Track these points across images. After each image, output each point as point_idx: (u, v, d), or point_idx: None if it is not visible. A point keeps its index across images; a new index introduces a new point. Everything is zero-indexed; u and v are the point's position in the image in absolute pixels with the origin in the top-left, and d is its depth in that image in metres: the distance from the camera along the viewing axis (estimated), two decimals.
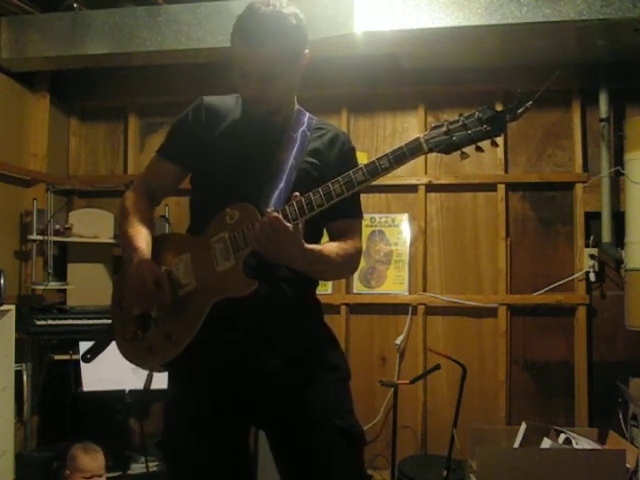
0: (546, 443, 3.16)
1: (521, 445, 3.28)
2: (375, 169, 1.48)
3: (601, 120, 3.75)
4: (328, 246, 1.68)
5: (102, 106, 4.49)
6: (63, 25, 3.69)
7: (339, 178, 1.49)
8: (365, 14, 3.34)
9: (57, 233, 3.96)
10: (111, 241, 4.11)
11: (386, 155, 1.47)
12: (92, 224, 4.09)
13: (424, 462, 3.60)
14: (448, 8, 3.26)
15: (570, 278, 3.83)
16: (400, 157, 1.47)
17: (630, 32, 3.25)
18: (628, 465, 2.90)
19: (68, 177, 4.45)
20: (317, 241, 1.70)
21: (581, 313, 3.78)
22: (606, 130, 3.74)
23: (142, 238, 1.68)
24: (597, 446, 3.16)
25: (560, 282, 3.83)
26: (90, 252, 4.11)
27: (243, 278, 1.55)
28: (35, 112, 4.13)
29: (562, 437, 3.22)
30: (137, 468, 3.62)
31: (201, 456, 1.63)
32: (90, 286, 4.08)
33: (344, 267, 1.73)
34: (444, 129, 1.44)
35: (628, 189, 3.60)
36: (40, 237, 3.87)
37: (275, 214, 1.46)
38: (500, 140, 4.55)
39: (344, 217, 1.72)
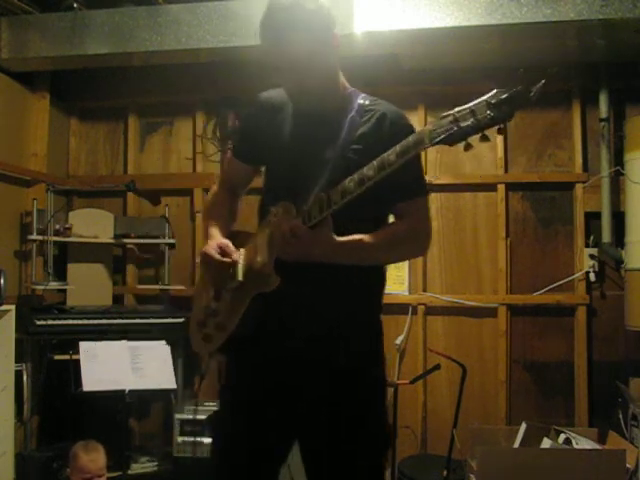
0: (546, 443, 3.16)
1: (521, 445, 3.28)
2: (382, 164, 1.44)
3: (601, 120, 3.75)
4: (374, 233, 1.61)
5: (102, 106, 4.49)
6: (63, 25, 3.69)
7: (354, 175, 1.47)
8: (365, 14, 3.34)
9: (57, 233, 3.96)
10: (111, 241, 4.11)
11: (393, 149, 1.43)
12: (92, 224, 4.09)
13: (424, 462, 3.60)
14: (448, 8, 3.26)
15: (570, 278, 3.83)
16: (404, 151, 1.42)
17: (630, 32, 3.25)
18: (628, 465, 2.90)
19: (68, 177, 4.45)
20: (378, 223, 1.67)
21: (581, 313, 3.78)
22: (606, 130, 3.74)
23: (214, 225, 1.80)
24: (597, 446, 3.16)
25: (560, 282, 3.83)
26: (90, 252, 4.11)
27: (270, 274, 1.57)
28: (35, 112, 4.13)
29: (562, 437, 3.22)
30: (137, 468, 3.63)
31: (241, 448, 1.68)
32: (90, 286, 4.08)
33: (394, 250, 1.67)
34: (450, 118, 1.36)
35: (628, 189, 3.60)
36: (40, 237, 3.87)
37: (294, 222, 1.50)
38: (500, 140, 4.54)
39: (399, 200, 1.67)
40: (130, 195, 4.28)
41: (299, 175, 1.65)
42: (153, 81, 4.25)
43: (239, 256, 1.71)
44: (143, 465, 3.66)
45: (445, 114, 1.36)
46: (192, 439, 3.46)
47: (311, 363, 1.64)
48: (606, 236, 3.71)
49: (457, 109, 1.35)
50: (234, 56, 3.70)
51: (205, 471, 3.35)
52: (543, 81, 1.33)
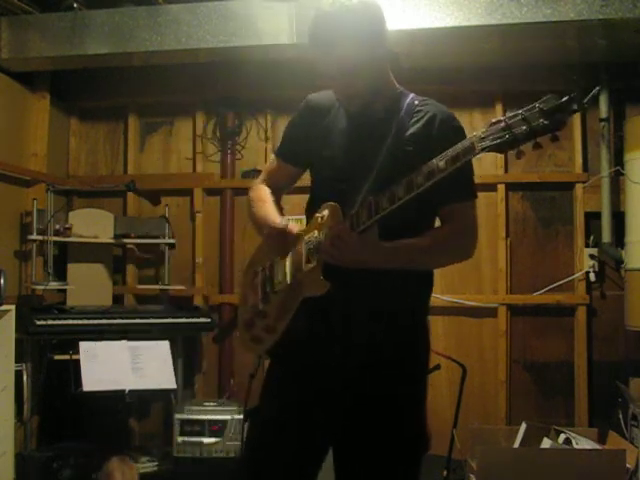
0: (546, 443, 3.16)
1: (521, 445, 3.28)
2: (432, 171, 1.39)
3: (601, 120, 3.75)
4: (420, 237, 1.60)
5: (102, 106, 4.49)
6: (63, 25, 3.69)
7: (403, 180, 1.43)
8: None
9: (57, 233, 3.96)
10: (111, 241, 4.12)
11: (443, 156, 1.39)
12: (92, 224, 4.09)
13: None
14: (448, 8, 3.26)
15: (570, 278, 3.83)
16: (455, 158, 1.37)
17: (630, 32, 3.26)
18: (628, 465, 2.90)
19: (68, 177, 4.45)
20: (425, 226, 1.66)
21: (581, 313, 3.78)
22: (606, 130, 3.74)
23: (268, 207, 1.80)
24: (597, 446, 3.16)
25: (560, 282, 3.83)
26: (90, 252, 4.11)
27: (318, 279, 1.55)
28: (35, 112, 4.12)
29: (562, 437, 3.22)
30: (137, 468, 3.62)
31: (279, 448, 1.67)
32: (90, 286, 4.08)
33: (440, 254, 1.66)
34: (502, 125, 1.30)
35: (628, 189, 3.60)
36: (40, 237, 3.87)
37: (341, 227, 1.49)
38: None
39: (445, 203, 1.64)
40: (130, 195, 4.28)
41: (347, 177, 1.64)
42: (153, 81, 4.25)
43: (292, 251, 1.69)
44: (143, 465, 3.66)
45: (495, 120, 1.32)
46: (192, 439, 3.46)
47: (358, 369, 1.62)
48: (606, 236, 3.71)
49: (508, 115, 1.30)
50: (234, 56, 3.70)
51: (207, 471, 3.39)
52: (597, 88, 1.31)
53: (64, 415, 3.76)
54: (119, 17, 3.64)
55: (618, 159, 3.74)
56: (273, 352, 1.75)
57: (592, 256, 3.77)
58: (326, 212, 1.59)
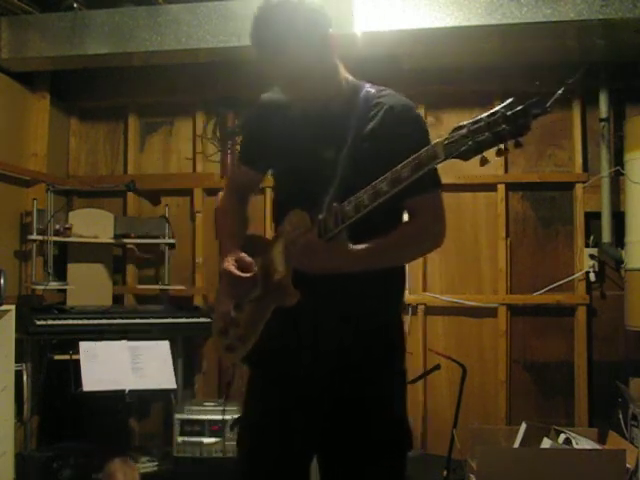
0: (546, 443, 3.16)
1: (521, 445, 3.28)
2: (397, 179, 1.37)
3: (601, 120, 3.75)
4: (389, 236, 1.57)
5: (102, 106, 4.49)
6: (63, 25, 3.69)
7: (368, 187, 1.40)
8: (365, 14, 3.34)
9: (57, 233, 3.96)
10: (111, 241, 4.12)
11: (407, 164, 1.37)
12: (92, 224, 4.09)
13: (424, 462, 3.60)
14: (448, 8, 3.26)
15: (570, 278, 3.83)
16: (418, 166, 1.36)
17: (630, 32, 3.26)
18: (628, 465, 2.90)
19: (68, 177, 4.45)
20: (395, 220, 1.64)
21: (581, 313, 3.78)
22: (606, 130, 3.74)
23: (228, 236, 1.80)
24: (597, 446, 3.16)
25: (560, 282, 3.83)
26: (90, 252, 4.11)
27: (289, 289, 1.54)
28: (35, 112, 4.12)
29: (562, 437, 3.22)
30: (137, 468, 3.62)
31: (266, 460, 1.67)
32: (90, 286, 4.08)
33: (410, 250, 1.65)
34: (464, 131, 1.28)
35: (628, 189, 3.60)
36: (40, 237, 3.87)
37: (309, 237, 1.47)
38: None
39: (410, 196, 1.58)
40: (130, 195, 4.28)
41: (311, 179, 1.61)
42: (153, 81, 4.25)
43: (257, 266, 1.68)
44: (143, 465, 3.65)
45: (458, 126, 1.29)
46: (192, 439, 3.46)
47: (331, 374, 1.62)
48: (606, 236, 3.71)
49: (471, 121, 1.27)
50: (234, 56, 3.70)
51: (207, 471, 3.39)
52: (560, 92, 1.29)
53: (64, 415, 3.76)
54: (119, 17, 3.64)
55: (618, 159, 3.74)
56: (248, 361, 1.74)
57: (592, 256, 3.77)
58: (294, 219, 1.57)
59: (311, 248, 1.48)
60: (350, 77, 1.70)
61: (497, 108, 1.25)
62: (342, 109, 1.64)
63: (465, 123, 1.29)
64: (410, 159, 1.36)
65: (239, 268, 1.67)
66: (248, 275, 1.66)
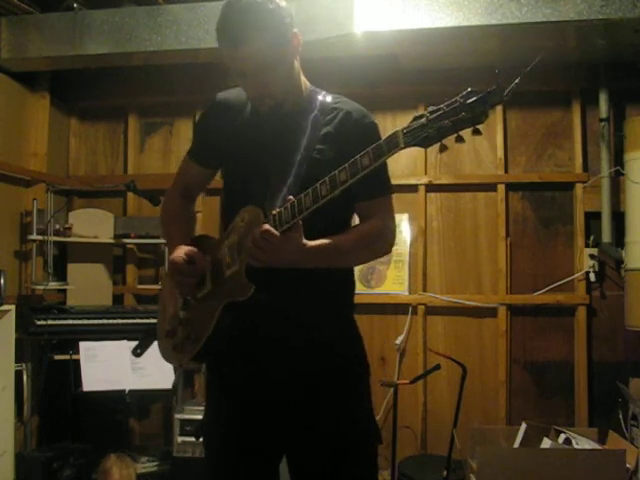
0: (546, 443, 3.16)
1: (521, 445, 3.28)
2: (356, 168, 1.39)
3: (601, 120, 3.75)
4: (343, 235, 1.60)
5: (102, 106, 4.49)
6: (63, 25, 3.69)
7: (326, 178, 1.42)
8: (365, 14, 3.34)
9: (57, 233, 3.96)
10: (111, 241, 4.12)
11: (367, 152, 1.39)
12: (92, 224, 4.10)
13: (424, 462, 3.60)
14: (448, 8, 3.26)
15: (570, 278, 3.83)
16: (379, 154, 1.37)
17: (630, 32, 3.25)
18: (628, 465, 2.90)
19: (68, 177, 4.45)
20: (344, 223, 1.66)
21: (581, 313, 3.78)
22: (606, 130, 3.74)
23: (176, 234, 1.77)
24: (597, 446, 3.16)
25: (560, 282, 3.83)
26: (90, 252, 4.11)
27: (243, 282, 1.53)
28: (35, 112, 4.12)
29: (562, 437, 3.22)
30: (137, 468, 3.62)
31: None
32: (90, 286, 4.08)
33: (364, 251, 1.66)
34: (424, 120, 1.32)
35: (628, 189, 3.60)
36: (40, 237, 3.87)
37: (265, 227, 1.44)
38: (500, 140, 4.53)
39: (363, 199, 1.65)
40: (130, 195, 4.28)
41: (263, 178, 1.61)
42: (153, 81, 4.25)
43: (207, 263, 1.66)
44: (143, 465, 3.65)
45: (418, 115, 1.33)
46: (192, 439, 3.46)
47: (289, 369, 1.61)
48: (606, 236, 3.71)
49: (430, 109, 1.32)
50: None
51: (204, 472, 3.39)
52: (517, 80, 1.33)
53: (64, 415, 3.76)
54: (119, 17, 3.64)
55: (618, 159, 3.74)
56: (205, 362, 1.72)
57: (592, 256, 3.77)
58: (246, 215, 1.56)
59: (265, 240, 1.45)
60: (308, 83, 1.72)
61: (456, 97, 1.30)
62: (298, 110, 1.66)
63: (425, 112, 1.33)
64: (370, 148, 1.38)
65: (188, 262, 1.64)
66: (198, 266, 1.64)
